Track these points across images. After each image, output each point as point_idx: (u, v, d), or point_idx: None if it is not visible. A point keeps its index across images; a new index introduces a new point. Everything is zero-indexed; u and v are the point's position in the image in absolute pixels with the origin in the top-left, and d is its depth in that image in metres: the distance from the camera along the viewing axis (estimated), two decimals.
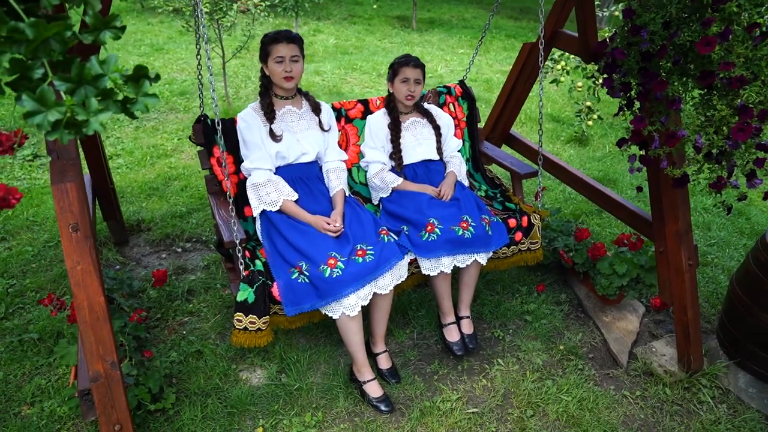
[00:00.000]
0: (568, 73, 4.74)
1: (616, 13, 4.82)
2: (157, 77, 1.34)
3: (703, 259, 3.45)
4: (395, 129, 2.71)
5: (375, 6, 10.36)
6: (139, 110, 1.26)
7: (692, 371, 2.55)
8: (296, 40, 2.38)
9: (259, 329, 2.20)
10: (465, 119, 3.12)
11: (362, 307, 2.27)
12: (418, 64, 2.63)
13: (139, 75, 1.27)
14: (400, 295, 2.97)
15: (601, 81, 2.39)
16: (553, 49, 4.67)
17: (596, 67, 2.83)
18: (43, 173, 4.02)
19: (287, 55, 2.35)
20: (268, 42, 2.37)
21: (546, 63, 5.02)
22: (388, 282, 2.28)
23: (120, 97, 1.23)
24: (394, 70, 2.65)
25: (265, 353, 2.57)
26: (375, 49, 7.93)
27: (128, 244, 3.32)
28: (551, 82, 4.88)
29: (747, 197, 2.29)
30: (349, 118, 2.84)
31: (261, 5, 4.58)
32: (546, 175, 3.82)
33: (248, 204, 2.48)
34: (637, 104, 2.33)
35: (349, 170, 2.82)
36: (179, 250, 3.30)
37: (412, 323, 2.83)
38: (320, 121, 2.56)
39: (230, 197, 2.19)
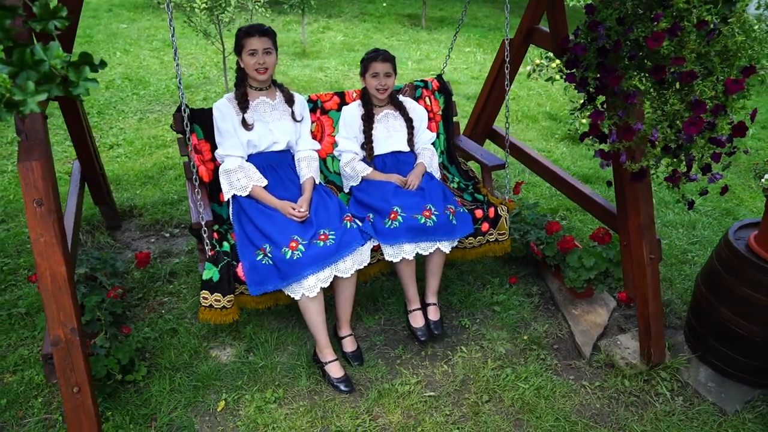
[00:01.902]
0: (562, 71, 4.76)
1: None
2: (102, 64, 1.45)
3: (683, 256, 3.46)
4: (368, 120, 2.81)
5: (385, 4, 10.45)
6: (81, 93, 1.38)
7: (653, 364, 2.58)
8: (268, 33, 2.50)
9: (224, 307, 2.31)
10: (441, 113, 3.20)
11: (326, 291, 2.37)
12: (387, 57, 2.72)
13: (83, 62, 1.38)
14: (372, 282, 3.06)
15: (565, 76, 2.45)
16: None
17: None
18: None
19: (260, 48, 2.46)
20: (242, 36, 2.49)
21: (541, 61, 5.05)
22: (349, 266, 2.37)
23: (63, 80, 1.35)
24: (365, 65, 2.74)
25: (237, 333, 2.68)
26: (381, 46, 7.96)
27: (120, 228, 3.48)
28: (546, 80, 4.90)
29: (708, 192, 2.33)
30: (325, 110, 2.94)
31: (260, 1, 4.71)
32: (531, 170, 3.85)
33: None
34: (600, 98, 2.38)
35: (324, 160, 2.93)
36: (167, 235, 3.44)
37: (382, 310, 2.91)
38: (293, 112, 2.66)
39: (197, 180, 2.31)
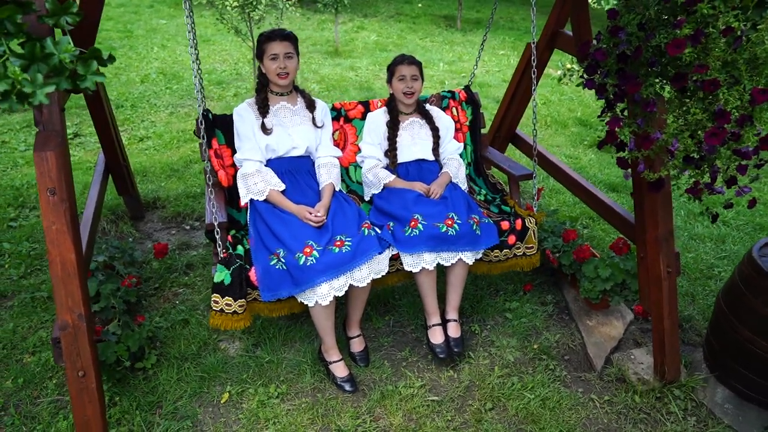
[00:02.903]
0: (583, 76, 4.65)
1: None
2: (111, 59, 1.50)
3: (709, 271, 3.34)
4: (393, 127, 2.78)
5: (420, 5, 10.42)
6: (89, 87, 1.42)
7: (667, 381, 2.50)
8: (290, 38, 2.51)
9: (235, 312, 2.29)
10: (468, 124, 3.15)
11: (340, 296, 2.32)
12: (413, 61, 2.71)
13: (92, 56, 1.43)
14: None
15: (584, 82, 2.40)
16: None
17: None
18: (80, 151, 4.37)
19: (281, 53, 2.47)
20: (263, 40, 2.50)
21: (572, 66, 4.94)
22: (365, 275, 2.31)
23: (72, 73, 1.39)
24: (391, 70, 2.74)
25: (246, 327, 2.71)
26: (414, 47, 8.00)
27: (143, 219, 3.57)
28: (578, 85, 4.79)
29: (733, 205, 2.23)
30: (349, 118, 2.94)
31: (291, 0, 4.77)
32: (551, 176, 3.78)
33: None
34: (620, 105, 2.31)
35: (346, 169, 2.92)
36: (188, 227, 3.51)
37: (392, 311, 2.90)
38: (314, 118, 2.66)
39: (210, 180, 2.34)
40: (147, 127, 4.84)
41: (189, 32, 2.19)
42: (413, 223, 2.44)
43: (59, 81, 1.38)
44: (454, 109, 3.12)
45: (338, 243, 2.30)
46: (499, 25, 9.83)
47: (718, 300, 2.53)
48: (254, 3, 4.47)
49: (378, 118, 2.82)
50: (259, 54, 2.52)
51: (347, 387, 2.41)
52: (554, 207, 3.84)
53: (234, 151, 2.65)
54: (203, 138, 2.38)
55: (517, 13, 10.83)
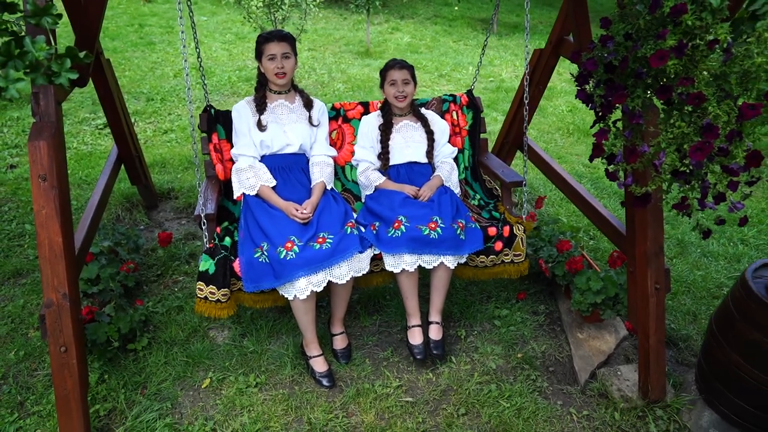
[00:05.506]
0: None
1: None
2: (87, 56, 1.59)
3: (717, 291, 3.22)
4: (385, 130, 2.83)
5: (457, 8, 10.37)
6: (62, 83, 1.52)
7: (650, 400, 2.44)
8: (287, 39, 2.59)
9: (218, 300, 2.38)
10: (467, 128, 3.15)
11: (323, 289, 2.38)
12: (404, 65, 2.74)
13: (68, 55, 1.53)
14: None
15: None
16: None
17: None
18: (108, 140, 4.59)
19: (279, 53, 2.56)
20: (262, 41, 2.59)
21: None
22: (344, 272, 2.36)
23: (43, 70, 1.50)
24: (383, 75, 2.78)
25: (237, 317, 2.81)
26: (446, 49, 7.99)
27: (157, 208, 3.73)
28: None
29: (725, 221, 2.16)
30: (347, 118, 2.99)
31: (315, 1, 4.86)
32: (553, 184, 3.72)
33: None
34: (611, 117, 2.28)
35: (342, 168, 2.97)
36: None
37: (381, 311, 2.94)
38: (310, 116, 2.73)
39: (197, 169, 2.45)
40: (173, 120, 5.03)
41: (181, 30, 2.30)
42: (396, 224, 2.47)
43: (35, 77, 1.49)
44: (454, 113, 3.12)
45: (320, 240, 2.36)
46: (537, 30, 9.67)
47: (710, 321, 2.45)
48: (278, 3, 4.59)
49: (371, 121, 2.86)
50: (258, 54, 2.61)
51: (325, 382, 2.47)
52: (561, 216, 3.78)
53: (233, 146, 2.75)
54: (192, 133, 2.49)
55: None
